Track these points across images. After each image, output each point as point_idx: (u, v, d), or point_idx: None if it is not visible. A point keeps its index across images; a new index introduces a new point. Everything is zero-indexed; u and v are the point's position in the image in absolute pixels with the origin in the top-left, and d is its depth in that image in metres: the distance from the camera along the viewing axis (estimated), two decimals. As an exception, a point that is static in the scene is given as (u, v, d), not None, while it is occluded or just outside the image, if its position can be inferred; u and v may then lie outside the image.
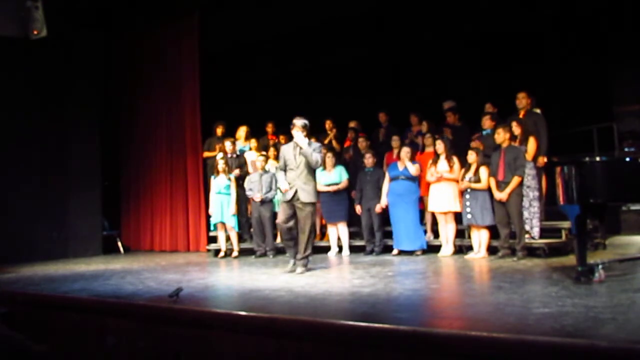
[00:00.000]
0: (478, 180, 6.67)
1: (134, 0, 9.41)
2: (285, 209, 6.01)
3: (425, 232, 7.54)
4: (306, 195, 5.95)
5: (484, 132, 7.28)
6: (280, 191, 6.21)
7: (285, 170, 6.09)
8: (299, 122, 6.03)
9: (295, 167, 6.01)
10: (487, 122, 7.24)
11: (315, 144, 6.16)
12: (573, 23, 8.25)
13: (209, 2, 9.15)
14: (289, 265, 6.10)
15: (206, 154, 9.06)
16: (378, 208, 7.46)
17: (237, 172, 8.27)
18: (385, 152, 8.22)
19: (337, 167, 7.90)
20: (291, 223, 6.01)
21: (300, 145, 5.97)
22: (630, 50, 8.32)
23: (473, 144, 7.09)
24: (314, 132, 8.82)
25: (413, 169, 7.25)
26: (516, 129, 6.65)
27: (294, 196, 5.95)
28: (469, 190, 6.71)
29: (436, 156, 7.22)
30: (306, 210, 5.95)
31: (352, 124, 8.95)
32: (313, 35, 9.32)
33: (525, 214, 6.47)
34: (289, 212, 5.99)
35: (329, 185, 7.78)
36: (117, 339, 4.30)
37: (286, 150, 6.16)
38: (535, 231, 6.51)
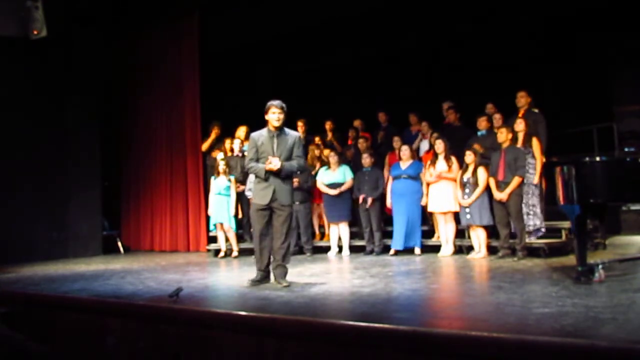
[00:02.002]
0: (476, 181, 6.68)
1: (134, 0, 9.40)
2: (262, 218, 5.08)
3: (433, 233, 7.55)
4: (286, 197, 5.08)
5: (479, 134, 7.29)
6: (261, 177, 5.09)
7: (257, 162, 5.14)
8: (277, 102, 5.12)
9: None
10: (482, 123, 7.26)
11: (296, 133, 5.34)
12: (573, 23, 8.25)
13: (209, 2, 9.15)
14: (255, 275, 5.24)
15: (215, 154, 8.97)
16: (369, 201, 7.45)
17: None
18: (384, 153, 8.24)
19: (342, 167, 7.88)
20: (270, 236, 5.14)
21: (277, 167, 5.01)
22: (630, 50, 8.32)
23: (476, 146, 7.09)
24: (314, 132, 8.88)
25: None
26: (519, 125, 6.64)
27: (272, 198, 5.05)
28: (467, 190, 6.72)
29: (435, 156, 7.23)
30: (285, 213, 5.06)
31: (356, 123, 8.96)
32: (313, 35, 9.32)
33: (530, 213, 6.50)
34: (266, 220, 5.11)
35: (331, 184, 7.79)
36: (117, 339, 4.30)
37: (260, 138, 5.16)
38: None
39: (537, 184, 6.46)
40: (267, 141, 5.13)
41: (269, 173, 5.06)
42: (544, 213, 6.57)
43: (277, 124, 5.12)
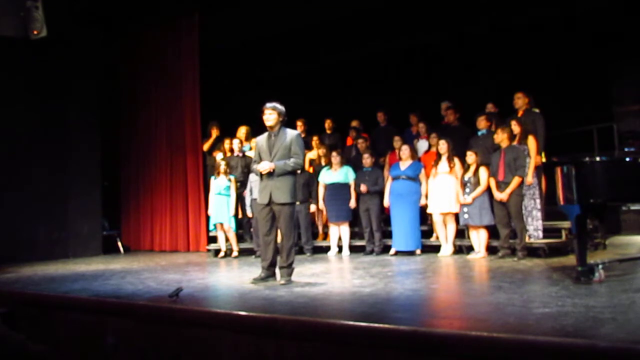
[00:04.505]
0: (477, 181, 6.68)
1: (134, 0, 9.40)
2: (264, 216, 5.22)
3: (432, 233, 7.53)
4: (282, 195, 5.15)
5: (479, 133, 7.28)
6: (259, 174, 5.32)
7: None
8: (269, 103, 5.29)
9: (270, 161, 5.23)
10: (482, 123, 7.25)
11: (294, 132, 5.40)
12: (573, 23, 8.25)
13: (209, 2, 9.15)
14: (260, 273, 5.33)
15: (215, 154, 8.97)
16: (364, 188, 7.45)
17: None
18: (383, 154, 8.24)
19: (344, 167, 7.87)
20: (273, 235, 5.25)
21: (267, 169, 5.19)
22: (630, 50, 8.32)
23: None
24: (314, 131, 8.88)
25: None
26: (515, 128, 6.65)
27: (270, 198, 5.18)
28: (467, 190, 6.72)
29: (438, 157, 7.23)
30: (285, 212, 5.15)
31: (353, 123, 8.95)
32: (313, 35, 9.32)
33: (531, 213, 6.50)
34: (270, 220, 5.22)
35: (333, 184, 7.78)
36: (117, 339, 4.30)
37: (260, 141, 5.41)
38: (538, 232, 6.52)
39: (530, 185, 6.45)
40: (264, 142, 5.35)
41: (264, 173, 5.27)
42: (543, 213, 6.58)
43: (268, 123, 5.31)
